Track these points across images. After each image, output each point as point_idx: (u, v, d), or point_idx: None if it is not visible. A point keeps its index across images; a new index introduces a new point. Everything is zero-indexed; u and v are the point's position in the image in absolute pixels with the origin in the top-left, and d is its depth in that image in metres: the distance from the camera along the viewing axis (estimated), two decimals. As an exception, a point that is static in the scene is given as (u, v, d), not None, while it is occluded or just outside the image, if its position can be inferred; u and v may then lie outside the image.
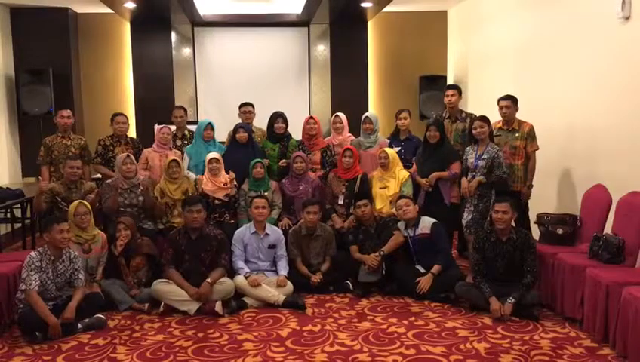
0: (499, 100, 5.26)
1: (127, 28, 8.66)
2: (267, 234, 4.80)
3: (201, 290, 4.31)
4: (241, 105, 6.11)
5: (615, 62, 4.75)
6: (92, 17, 8.51)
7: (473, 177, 5.02)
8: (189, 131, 6.07)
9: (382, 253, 4.71)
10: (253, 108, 6.10)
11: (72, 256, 4.09)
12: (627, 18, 4.57)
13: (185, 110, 6.18)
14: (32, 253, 3.94)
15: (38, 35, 8.03)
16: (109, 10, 7.98)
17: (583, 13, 5.22)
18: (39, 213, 5.31)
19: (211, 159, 5.20)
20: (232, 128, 5.77)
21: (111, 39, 8.68)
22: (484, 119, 5.10)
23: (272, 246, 4.80)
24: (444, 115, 5.86)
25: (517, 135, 5.19)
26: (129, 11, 7.93)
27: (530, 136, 5.18)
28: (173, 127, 5.87)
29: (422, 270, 4.65)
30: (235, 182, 5.25)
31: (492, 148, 4.98)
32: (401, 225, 4.85)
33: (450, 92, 5.79)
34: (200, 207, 4.54)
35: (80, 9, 8.32)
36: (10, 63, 8.00)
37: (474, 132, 5.07)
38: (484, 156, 4.96)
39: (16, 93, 7.88)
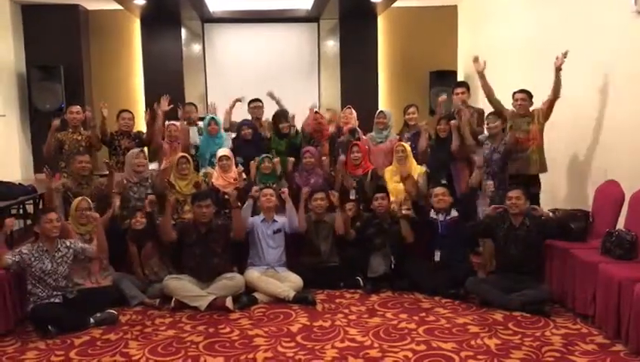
0: (514, 93, 5.24)
1: (137, 24, 8.69)
2: (275, 221, 4.86)
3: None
4: (251, 101, 6.15)
5: (628, 56, 4.70)
6: (102, 14, 8.55)
7: (489, 173, 5.02)
8: (200, 128, 6.12)
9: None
10: (262, 103, 6.13)
11: (68, 244, 4.14)
12: (640, 12, 4.52)
13: (195, 106, 6.22)
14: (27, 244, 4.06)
15: (49, 32, 8.09)
16: (119, 7, 8.01)
17: (596, 7, 5.17)
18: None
19: (222, 156, 5.24)
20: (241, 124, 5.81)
21: (121, 36, 8.72)
22: (497, 115, 5.08)
23: (278, 231, 4.84)
24: (453, 110, 5.85)
25: (528, 119, 5.16)
26: (139, 8, 7.96)
27: (541, 115, 5.13)
28: (178, 123, 5.89)
29: (437, 258, 4.68)
30: (244, 174, 5.27)
31: (507, 139, 4.99)
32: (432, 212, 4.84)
33: (459, 90, 5.79)
34: (209, 202, 4.57)
35: (90, 6, 8.36)
36: (21, 60, 8.05)
37: (487, 128, 5.06)
38: (500, 149, 4.99)
39: (27, 90, 7.94)
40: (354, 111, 5.94)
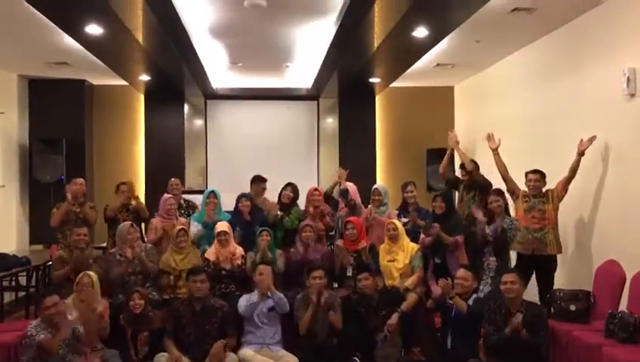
0: (527, 174, 5.22)
1: (141, 99, 8.90)
2: (269, 297, 4.72)
3: (213, 350, 4.27)
4: (257, 180, 6.02)
5: (622, 137, 4.79)
6: (107, 89, 8.77)
7: (489, 252, 5.00)
8: (185, 201, 6.20)
9: (400, 311, 4.63)
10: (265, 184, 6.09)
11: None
12: (632, 95, 4.65)
13: (180, 180, 6.40)
14: (31, 324, 3.88)
15: (54, 106, 8.26)
16: (124, 83, 8.22)
17: (589, 90, 5.32)
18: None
19: (220, 232, 5.18)
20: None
21: (124, 110, 8.91)
22: (499, 193, 5.10)
23: (272, 309, 4.72)
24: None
25: (544, 199, 5.14)
26: (144, 84, 8.17)
27: (556, 196, 5.15)
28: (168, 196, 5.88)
29: (449, 345, 4.48)
30: (244, 256, 5.20)
31: (508, 221, 4.96)
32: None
33: (463, 172, 6.04)
34: (204, 276, 4.50)
35: (96, 81, 8.59)
36: (25, 132, 8.18)
37: (489, 206, 5.07)
38: (500, 230, 4.97)
39: (29, 161, 8.01)
40: (353, 185, 5.91)
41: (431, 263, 5.21)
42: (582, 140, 4.98)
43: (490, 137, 5.55)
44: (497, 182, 5.45)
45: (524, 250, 5.07)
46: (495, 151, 5.47)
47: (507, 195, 5.34)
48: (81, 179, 5.91)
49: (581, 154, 4.97)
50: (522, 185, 5.29)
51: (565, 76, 5.78)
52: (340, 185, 5.85)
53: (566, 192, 5.11)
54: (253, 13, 5.47)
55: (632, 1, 4.69)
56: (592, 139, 4.92)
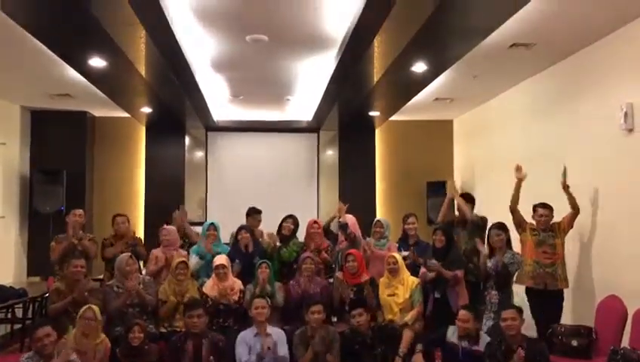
0: (537, 208, 5.21)
1: (142, 131, 8.95)
2: (268, 334, 4.63)
3: None
4: (253, 212, 6.12)
5: (620, 173, 4.81)
6: (109, 121, 8.82)
7: (491, 286, 4.96)
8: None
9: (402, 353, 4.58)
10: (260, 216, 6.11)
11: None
12: (630, 130, 4.68)
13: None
14: (24, 357, 3.82)
15: (56, 137, 8.30)
16: (125, 115, 8.28)
17: (587, 124, 5.36)
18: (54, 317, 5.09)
19: (218, 265, 5.14)
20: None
21: (126, 141, 8.95)
22: (501, 227, 5.08)
23: (273, 347, 4.59)
24: (453, 220, 5.89)
25: (553, 233, 5.14)
26: (145, 115, 8.23)
27: (562, 230, 5.15)
28: (168, 227, 5.85)
29: None
30: (242, 290, 5.15)
31: (509, 255, 4.94)
32: (451, 330, 4.56)
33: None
34: (201, 311, 4.45)
35: (98, 112, 8.64)
36: (26, 163, 8.21)
37: (491, 241, 5.06)
38: (500, 264, 4.93)
39: (29, 192, 8.02)
40: (353, 218, 5.90)
41: (431, 298, 5.16)
42: (562, 176, 5.12)
43: (518, 168, 5.50)
44: (502, 217, 5.41)
45: (535, 285, 5.04)
46: (519, 183, 5.42)
47: (509, 227, 5.31)
48: (80, 210, 5.87)
49: (565, 187, 5.07)
50: (528, 218, 5.29)
51: (563, 111, 5.83)
52: (340, 218, 5.84)
53: (572, 227, 5.12)
54: (255, 48, 5.55)
55: (629, 37, 4.77)
56: (564, 172, 5.08)
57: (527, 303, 5.13)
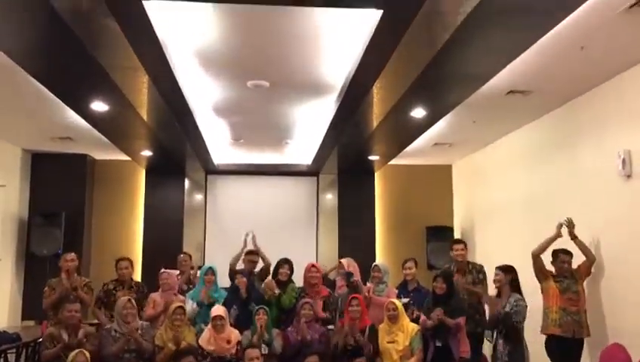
0: (558, 253, 5.11)
1: (142, 174, 8.98)
2: None
3: None
4: (247, 253, 6.10)
5: (617, 219, 4.80)
6: (109, 164, 8.85)
7: (500, 331, 4.85)
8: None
9: None
10: (259, 256, 6.09)
11: None
12: (629, 176, 4.70)
13: (190, 256, 6.27)
14: None
15: (55, 180, 8.31)
16: (126, 158, 8.31)
17: (586, 170, 5.38)
18: None
19: (216, 316, 5.02)
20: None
21: (125, 184, 8.97)
22: (503, 269, 4.99)
23: None
24: (452, 268, 5.82)
25: (574, 280, 5.07)
26: (146, 159, 8.26)
27: (580, 277, 5.10)
28: (176, 272, 5.81)
29: None
30: (239, 341, 5.06)
31: (513, 299, 4.85)
32: None
33: (459, 246, 5.81)
34: (191, 359, 4.37)
35: (98, 155, 8.68)
36: (25, 206, 8.19)
37: (493, 281, 5.02)
38: (506, 308, 4.83)
39: (27, 235, 7.97)
40: (355, 263, 5.85)
41: (431, 346, 5.05)
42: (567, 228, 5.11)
43: (570, 223, 5.20)
44: (501, 263, 5.34)
45: (563, 333, 4.93)
46: (557, 236, 5.21)
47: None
48: (72, 254, 5.67)
49: (573, 238, 5.07)
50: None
51: (561, 157, 5.86)
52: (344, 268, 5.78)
53: (589, 275, 5.08)
54: (256, 93, 5.62)
55: (625, 84, 4.83)
56: (568, 222, 5.09)
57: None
